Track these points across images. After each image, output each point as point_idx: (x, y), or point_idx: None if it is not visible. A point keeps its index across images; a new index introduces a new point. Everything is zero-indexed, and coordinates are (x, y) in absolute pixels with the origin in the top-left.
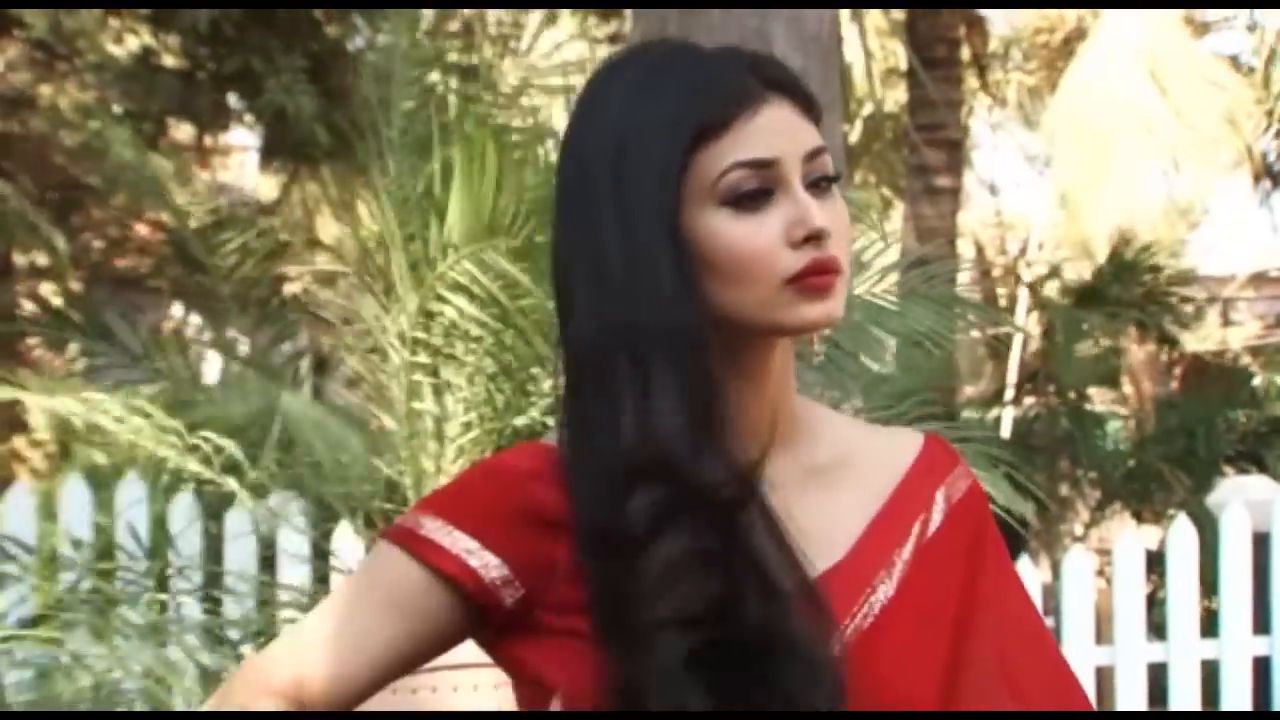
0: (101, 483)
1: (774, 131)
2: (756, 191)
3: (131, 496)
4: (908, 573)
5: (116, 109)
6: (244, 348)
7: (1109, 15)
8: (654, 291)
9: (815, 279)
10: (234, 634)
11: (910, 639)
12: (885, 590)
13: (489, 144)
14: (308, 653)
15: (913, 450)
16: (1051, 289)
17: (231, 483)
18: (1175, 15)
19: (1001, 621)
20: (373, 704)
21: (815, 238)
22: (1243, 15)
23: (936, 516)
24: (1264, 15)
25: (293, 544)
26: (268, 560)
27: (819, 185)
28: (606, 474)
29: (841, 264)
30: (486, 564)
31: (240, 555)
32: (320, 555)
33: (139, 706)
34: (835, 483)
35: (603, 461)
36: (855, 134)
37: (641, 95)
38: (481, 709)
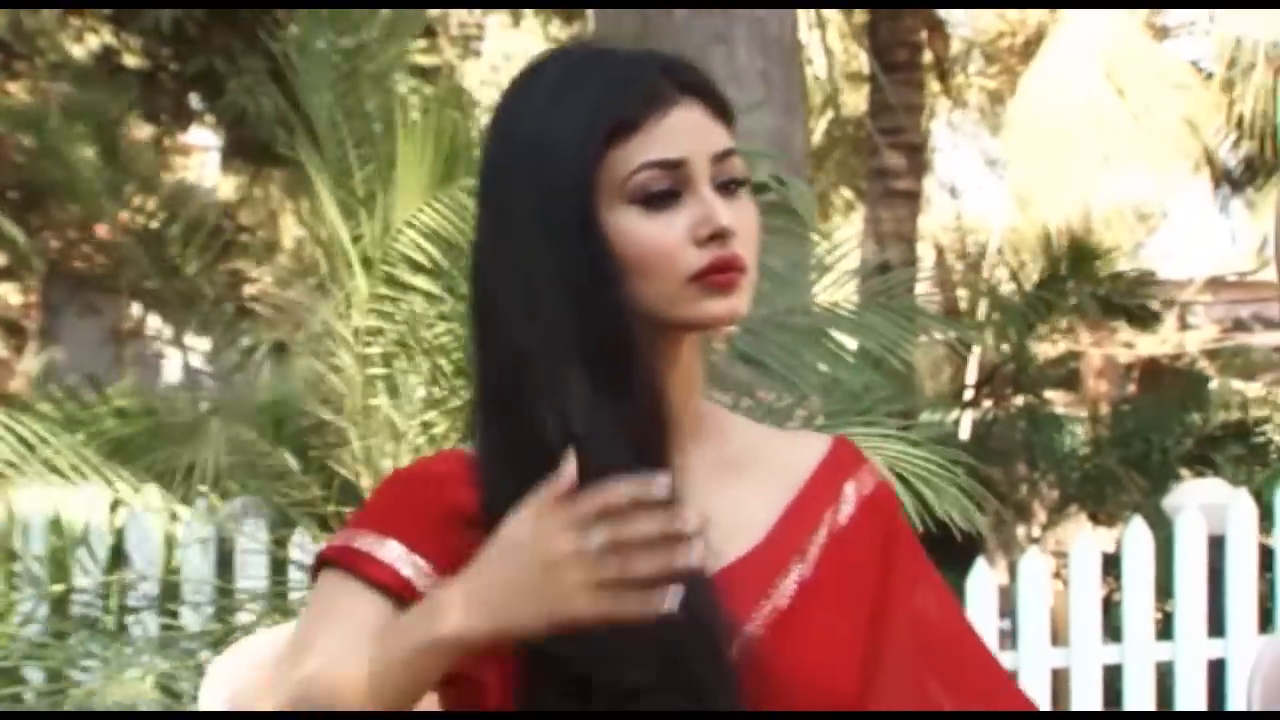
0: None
1: (683, 132)
2: (665, 191)
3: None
4: (823, 557)
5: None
6: (202, 348)
7: (1069, 18)
8: (574, 290)
9: (718, 276)
10: (192, 645)
11: (828, 619)
12: (801, 571)
13: (431, 117)
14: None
15: (820, 449)
16: (1010, 290)
17: (175, 510)
18: (1137, 19)
19: (919, 619)
20: None
21: (719, 236)
22: (1203, 20)
23: (847, 508)
24: (1220, 20)
25: (250, 550)
26: (225, 564)
27: (728, 187)
28: (528, 480)
29: (745, 262)
30: (418, 568)
31: (198, 560)
32: (279, 560)
33: None
34: (746, 475)
35: (524, 467)
36: (817, 136)
37: (558, 97)
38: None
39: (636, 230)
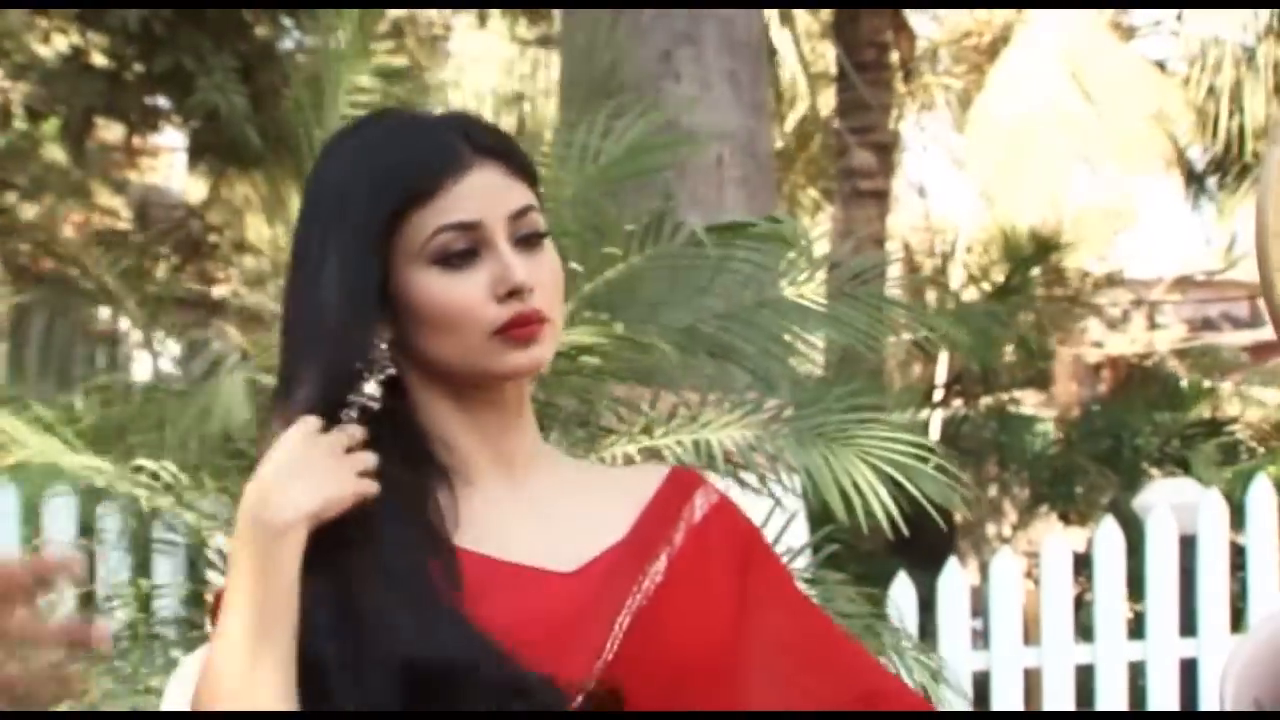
0: (30, 484)
1: (479, 195)
2: (464, 251)
3: (60, 500)
4: (685, 544)
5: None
6: (172, 351)
7: (1033, 18)
8: (343, 346)
9: (519, 330)
10: (170, 641)
11: (699, 587)
12: (669, 553)
13: None
14: None
15: (661, 473)
16: (975, 293)
17: (163, 501)
18: (1102, 19)
19: (781, 628)
20: None
21: (516, 293)
22: (1169, 20)
23: (699, 511)
24: (1188, 20)
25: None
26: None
27: (529, 240)
28: None
29: (547, 313)
30: None
31: (167, 561)
32: None
33: None
34: (593, 492)
35: None
36: (785, 137)
37: (363, 160)
38: None
39: (438, 289)
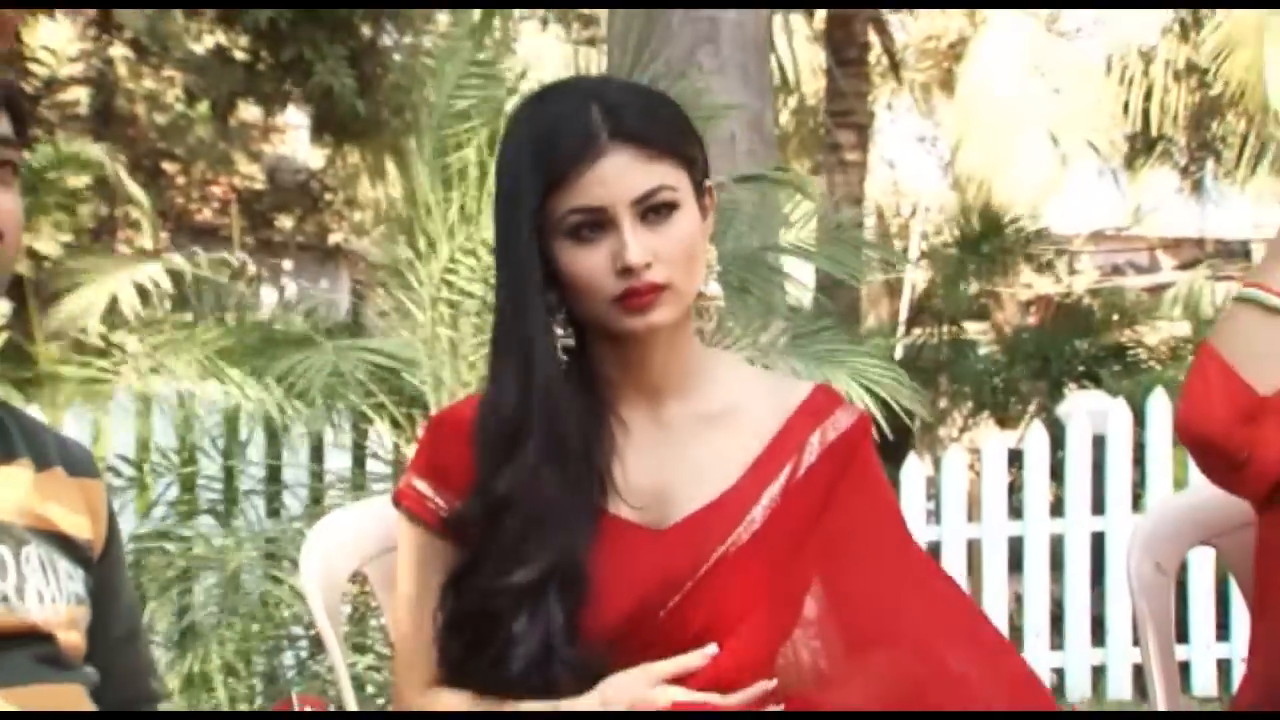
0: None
1: (607, 183)
2: (592, 226)
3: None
4: (776, 506)
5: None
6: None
7: (992, 23)
8: (516, 292)
9: (631, 301)
10: (294, 511)
11: (766, 560)
12: (755, 522)
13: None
14: (424, 646)
15: (798, 398)
16: (936, 243)
17: (285, 407)
18: (1044, 24)
19: (855, 513)
20: None
21: (631, 270)
22: (1088, 25)
23: (809, 457)
24: (1107, 24)
25: (338, 441)
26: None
27: (658, 213)
28: (480, 432)
29: (667, 280)
30: (449, 504)
31: (296, 455)
32: (359, 447)
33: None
34: (725, 427)
35: (482, 421)
36: (783, 121)
37: (524, 142)
38: None
39: (569, 260)
